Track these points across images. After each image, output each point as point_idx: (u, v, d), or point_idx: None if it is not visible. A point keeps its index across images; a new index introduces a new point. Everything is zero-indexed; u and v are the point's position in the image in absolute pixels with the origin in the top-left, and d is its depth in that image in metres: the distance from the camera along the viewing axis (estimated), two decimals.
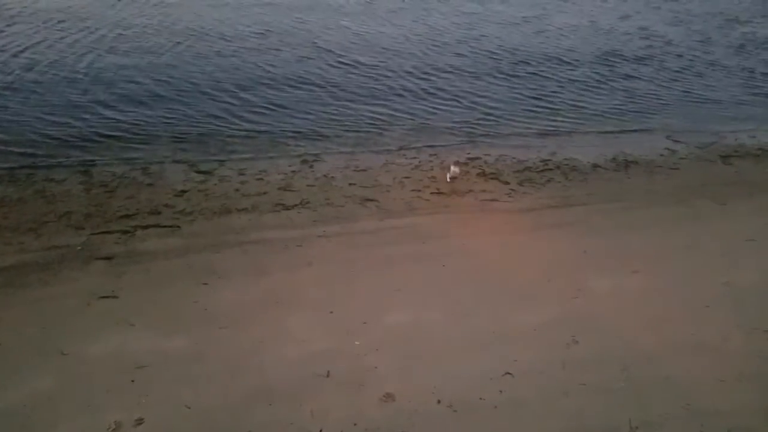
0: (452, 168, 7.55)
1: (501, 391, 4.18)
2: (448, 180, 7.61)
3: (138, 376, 4.32)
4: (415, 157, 8.65)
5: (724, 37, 15.37)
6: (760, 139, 9.74)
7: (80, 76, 10.68)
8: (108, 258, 5.89)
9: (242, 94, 10.52)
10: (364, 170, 8.16)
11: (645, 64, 13.26)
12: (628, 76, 12.52)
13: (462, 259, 5.93)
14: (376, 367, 4.44)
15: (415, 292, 5.38)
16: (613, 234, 6.47)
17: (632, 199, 7.52)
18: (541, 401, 4.05)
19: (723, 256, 5.91)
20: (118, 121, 9.14)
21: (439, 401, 4.09)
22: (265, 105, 10.18)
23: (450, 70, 12.35)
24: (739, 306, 5.08)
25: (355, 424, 3.92)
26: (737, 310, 5.03)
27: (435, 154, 8.77)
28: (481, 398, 4.11)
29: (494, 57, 13.22)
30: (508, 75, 12.25)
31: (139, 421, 3.95)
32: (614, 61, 13.32)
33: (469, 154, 8.85)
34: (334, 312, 5.08)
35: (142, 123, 9.15)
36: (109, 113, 9.38)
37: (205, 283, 5.45)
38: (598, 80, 12.23)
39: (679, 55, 13.96)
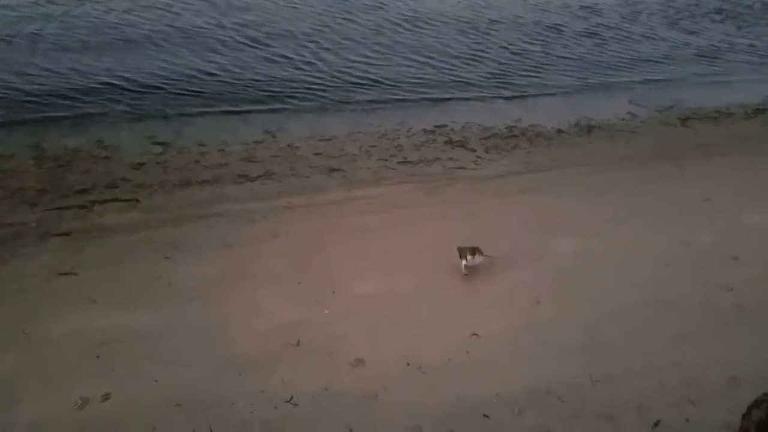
0: (469, 257, 5.22)
1: (467, 352, 4.35)
2: (464, 272, 5.27)
3: (103, 352, 4.33)
4: (381, 126, 8.68)
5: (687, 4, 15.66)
6: (718, 101, 10.01)
7: (23, 41, 10.30)
8: (65, 234, 5.80)
9: (199, 61, 10.27)
10: (329, 139, 8.16)
11: (608, 29, 13.40)
12: (592, 42, 12.65)
13: (429, 228, 6.04)
14: (345, 335, 4.55)
15: (383, 261, 5.47)
16: (576, 198, 6.66)
17: (594, 164, 7.73)
18: (507, 360, 4.22)
19: (681, 216, 6.16)
20: (69, 91, 8.84)
21: (408, 364, 4.24)
22: (223, 72, 9.99)
23: (414, 37, 12.26)
24: (696, 264, 5.34)
25: (326, 389, 4.03)
26: (695, 268, 5.29)
27: (402, 122, 8.82)
28: (449, 359, 4.28)
29: (460, 21, 13.17)
30: (473, 41, 12.23)
31: (106, 396, 3.98)
32: (577, 28, 13.39)
33: (435, 121, 8.90)
34: (302, 283, 5.15)
35: (94, 93, 8.88)
36: (57, 82, 9.05)
37: (168, 258, 5.44)
38: (563, 45, 12.38)
39: (640, 21, 14.11)
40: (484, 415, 3.78)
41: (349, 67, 10.55)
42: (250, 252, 5.56)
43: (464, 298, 4.92)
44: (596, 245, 5.67)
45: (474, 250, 5.26)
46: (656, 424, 3.63)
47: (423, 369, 4.19)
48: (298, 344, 4.45)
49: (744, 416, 3.45)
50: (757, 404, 3.36)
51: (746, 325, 4.50)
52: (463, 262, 5.23)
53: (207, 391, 4.02)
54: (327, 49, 11.12)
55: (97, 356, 4.29)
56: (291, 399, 3.96)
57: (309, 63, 10.57)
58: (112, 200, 6.42)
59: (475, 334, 4.52)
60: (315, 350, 4.40)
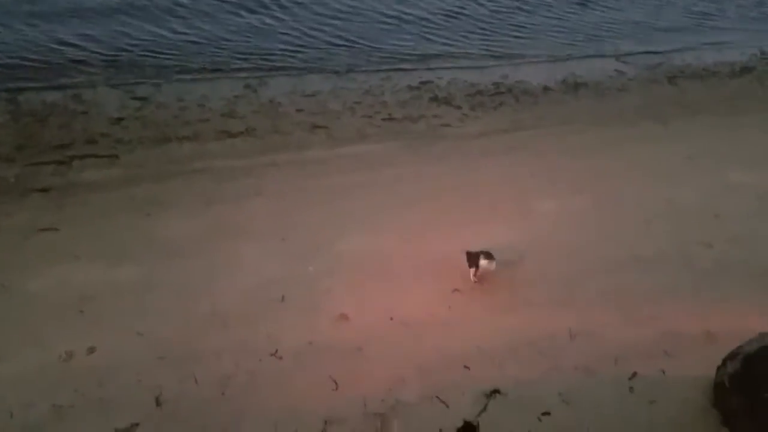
0: (482, 261, 4.62)
1: (450, 307, 4.44)
2: (474, 279, 4.68)
3: (87, 307, 4.35)
4: (365, 82, 8.55)
5: None
6: (705, 59, 10.00)
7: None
8: (44, 190, 5.73)
9: (178, 10, 9.95)
10: (312, 95, 8.04)
11: None
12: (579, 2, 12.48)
13: (413, 186, 6.05)
14: (329, 291, 4.60)
15: (367, 218, 5.48)
16: (561, 157, 6.68)
17: (580, 122, 7.74)
18: (488, 316, 4.32)
19: (664, 174, 6.22)
20: (44, 43, 8.53)
21: (391, 318, 4.31)
22: (202, 23, 9.69)
23: None
24: (678, 221, 5.43)
25: (310, 343, 4.10)
26: (676, 225, 5.38)
27: (386, 78, 8.68)
28: (431, 314, 4.36)
29: None
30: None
31: (91, 350, 4.02)
32: None
33: (420, 77, 8.78)
34: (286, 240, 5.16)
35: (70, 45, 8.58)
36: (33, 34, 8.74)
37: (149, 214, 5.41)
38: (549, 2, 12.17)
39: None
40: (465, 366, 3.88)
41: (329, 26, 10.24)
42: (233, 209, 5.54)
43: (448, 256, 4.95)
44: (579, 204, 5.72)
45: (487, 256, 4.58)
46: (633, 375, 3.75)
47: (406, 323, 4.27)
48: (282, 300, 4.49)
49: (719, 368, 3.59)
50: (731, 357, 3.48)
51: (724, 281, 4.61)
52: (473, 270, 4.60)
53: (191, 344, 4.07)
54: (299, 13, 10.75)
55: (81, 311, 4.31)
56: (276, 352, 4.03)
57: (287, 24, 10.25)
58: (91, 156, 6.32)
59: (457, 290, 4.59)
60: (299, 306, 4.45)
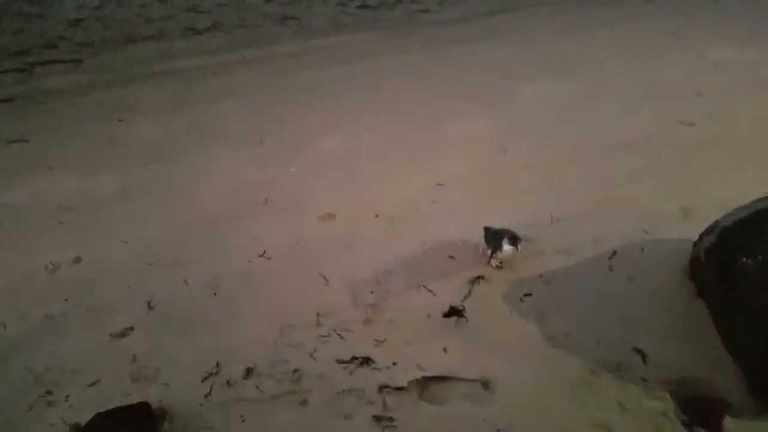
0: (505, 247, 3.77)
1: (434, 202, 4.49)
2: (494, 264, 3.95)
3: (67, 218, 4.35)
4: None
5: None
6: None
7: None
8: (8, 100, 5.53)
9: None
10: None
11: None
12: None
13: (393, 78, 5.90)
14: (313, 191, 4.62)
15: (346, 115, 5.40)
16: (544, 40, 6.52)
17: (565, 2, 7.47)
18: (472, 206, 4.39)
19: (648, 54, 6.13)
20: None
21: (377, 215, 4.37)
22: None
23: None
24: (661, 101, 5.41)
25: (297, 243, 4.17)
26: (659, 105, 5.36)
27: None
28: (415, 209, 4.42)
29: None
30: None
31: (77, 260, 4.07)
32: None
33: None
34: (264, 142, 5.09)
35: None
36: None
37: (121, 120, 5.27)
38: None
39: None
40: (450, 256, 3.99)
41: None
42: (206, 111, 5.41)
43: (431, 150, 4.95)
44: (562, 88, 5.65)
45: (512, 239, 3.76)
46: (612, 255, 3.88)
47: (391, 219, 4.34)
48: (266, 202, 4.51)
49: (695, 243, 3.72)
50: (708, 231, 3.59)
51: (703, 159, 4.68)
52: (496, 254, 3.88)
53: (178, 250, 4.13)
54: None
55: (61, 222, 4.31)
56: (264, 253, 4.11)
57: None
58: (53, 62, 6.05)
59: (441, 184, 4.63)
60: (284, 207, 4.48)
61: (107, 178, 4.71)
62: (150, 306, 3.76)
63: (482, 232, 3.98)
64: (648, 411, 3.13)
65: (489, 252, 3.92)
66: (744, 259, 3.14)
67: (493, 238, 3.89)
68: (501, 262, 3.96)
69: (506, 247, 3.77)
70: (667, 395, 3.18)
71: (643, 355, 3.32)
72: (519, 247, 3.77)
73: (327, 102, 5.54)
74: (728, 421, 3.12)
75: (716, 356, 3.31)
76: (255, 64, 6.10)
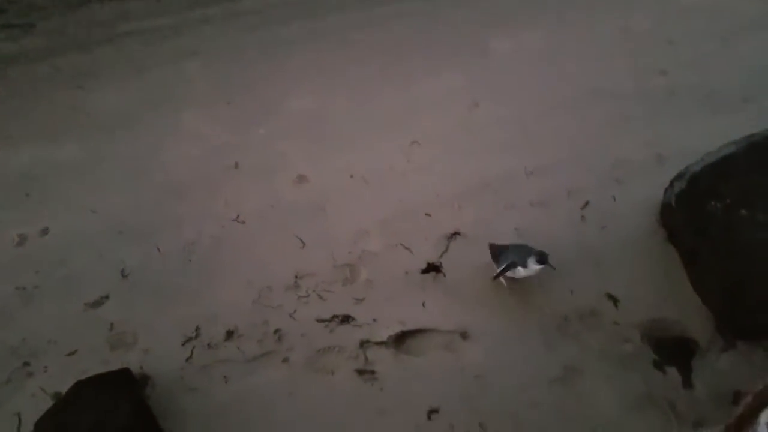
0: (532, 265, 3.32)
1: (408, 160, 4.54)
2: (505, 284, 3.61)
3: (31, 189, 4.32)
4: None
5: None
6: None
7: None
8: None
9: None
10: None
11: None
12: None
13: (366, 35, 5.86)
14: (285, 154, 4.61)
15: (316, 73, 5.37)
16: None
17: None
18: (447, 163, 4.45)
19: (621, 1, 6.18)
20: None
21: (351, 176, 4.42)
22: None
23: None
24: (633, 50, 5.48)
25: (271, 206, 4.22)
26: (631, 54, 5.43)
27: None
28: (390, 168, 4.47)
29: None
30: None
31: (45, 232, 4.06)
32: None
33: None
34: (231, 103, 5.06)
35: None
36: None
37: (81, 87, 5.18)
38: None
39: None
40: (426, 214, 4.08)
41: None
42: (169, 73, 5.33)
43: (404, 108, 4.98)
44: (536, 40, 5.68)
45: (541, 257, 3.31)
46: (585, 205, 4.03)
47: (366, 179, 4.39)
48: (236, 166, 4.52)
49: (666, 190, 3.88)
50: (678, 177, 3.75)
51: (675, 107, 4.81)
52: (515, 270, 3.41)
53: (149, 217, 4.15)
54: None
55: (27, 194, 4.28)
56: (237, 218, 4.15)
57: None
58: (3, 26, 5.87)
59: (416, 142, 4.69)
60: (255, 171, 4.49)
61: (71, 147, 4.65)
62: (123, 274, 3.81)
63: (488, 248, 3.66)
64: (620, 353, 3.33)
65: (499, 268, 3.47)
66: (713, 203, 3.31)
67: (511, 254, 3.46)
68: (510, 282, 3.59)
69: (533, 266, 3.34)
70: (639, 337, 3.38)
71: (615, 301, 3.50)
72: (551, 264, 3.35)
73: (294, 59, 5.50)
74: (697, 359, 3.34)
75: (686, 298, 3.51)
76: (217, 23, 6.00)
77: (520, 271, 3.37)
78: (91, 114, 4.93)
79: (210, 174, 4.47)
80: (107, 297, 3.68)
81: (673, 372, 3.28)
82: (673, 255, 3.70)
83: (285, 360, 3.39)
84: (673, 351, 3.33)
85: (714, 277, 3.34)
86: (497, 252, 3.56)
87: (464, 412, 3.18)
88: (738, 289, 3.18)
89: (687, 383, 3.23)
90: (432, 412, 3.19)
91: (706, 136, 3.79)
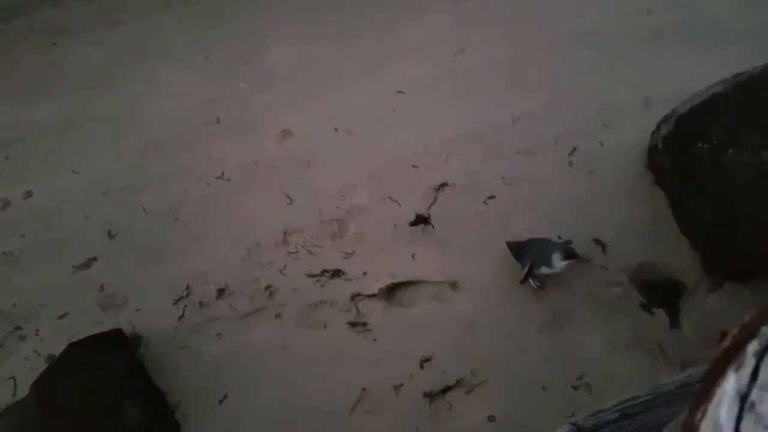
0: (558, 263, 3.22)
1: (394, 110, 4.48)
2: (534, 285, 3.40)
3: (11, 152, 4.24)
4: None
5: None
6: None
7: None
8: None
9: None
10: None
11: None
12: None
13: None
14: (267, 107, 4.54)
15: (294, 22, 5.23)
16: None
17: None
18: (432, 112, 4.40)
19: None
20: None
21: (336, 129, 4.37)
22: None
23: None
24: None
25: (256, 163, 4.18)
26: None
27: None
28: (375, 120, 4.42)
29: None
30: None
31: (28, 195, 4.02)
32: None
33: None
34: (209, 57, 4.94)
35: None
36: None
37: (55, 44, 5.03)
38: None
39: None
40: (414, 166, 4.06)
41: None
42: (144, 27, 5.17)
43: (388, 55, 4.88)
44: None
45: (568, 251, 3.21)
46: (572, 151, 4.02)
47: (351, 132, 4.35)
48: (218, 122, 4.45)
49: (653, 132, 3.88)
50: (665, 120, 3.74)
51: (661, 48, 4.73)
52: (537, 270, 3.30)
53: (132, 176, 4.10)
54: None
55: (6, 157, 4.21)
56: (222, 175, 4.12)
57: None
58: None
59: (401, 92, 4.62)
60: (238, 126, 4.42)
61: (49, 107, 4.54)
62: (110, 235, 3.79)
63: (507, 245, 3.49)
64: (608, 297, 3.39)
65: (524, 270, 3.33)
66: (699, 144, 3.31)
67: (532, 252, 3.35)
68: (540, 282, 3.43)
69: (558, 264, 3.22)
70: (627, 281, 3.43)
71: (603, 245, 3.54)
72: (582, 258, 3.29)
73: (271, 6, 5.35)
74: (684, 301, 3.41)
75: (673, 241, 3.56)
76: None
77: (545, 270, 3.26)
78: (67, 72, 4.80)
79: (191, 130, 4.39)
80: (95, 259, 3.68)
81: (660, 314, 3.35)
82: (660, 198, 3.73)
83: (278, 315, 3.43)
84: (660, 293, 3.39)
85: (701, 218, 3.37)
86: (516, 250, 3.40)
87: (456, 360, 3.25)
88: (724, 230, 3.22)
89: (674, 324, 3.30)
90: (425, 360, 3.26)
91: (694, 77, 3.74)
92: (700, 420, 0.70)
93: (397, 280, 3.53)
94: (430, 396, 3.16)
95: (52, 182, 4.07)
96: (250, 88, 4.70)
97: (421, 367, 3.24)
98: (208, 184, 4.06)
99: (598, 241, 3.56)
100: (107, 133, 4.37)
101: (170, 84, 4.70)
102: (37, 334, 3.38)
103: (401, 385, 3.20)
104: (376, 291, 3.49)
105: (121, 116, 4.48)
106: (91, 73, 4.79)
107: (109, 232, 3.81)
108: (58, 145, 4.28)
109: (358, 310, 3.43)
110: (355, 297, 3.48)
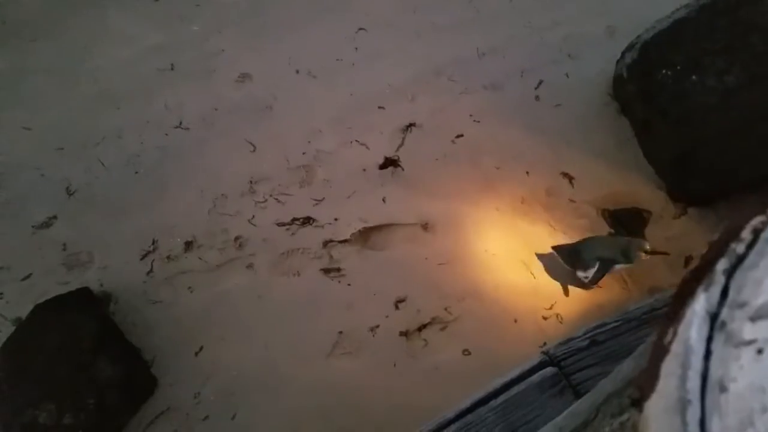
0: (617, 266, 3.14)
1: (356, 49, 4.38)
2: (592, 287, 3.27)
3: None
4: None
5: None
6: None
7: None
8: None
9: None
10: None
11: None
12: None
13: None
14: (223, 51, 4.39)
15: None
16: None
17: None
18: (395, 50, 4.31)
19: None
20: None
21: (297, 71, 4.26)
22: None
23: None
24: None
25: (215, 109, 4.06)
26: None
27: None
28: (337, 60, 4.31)
29: None
30: None
31: None
32: None
33: None
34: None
35: None
36: None
37: None
38: None
39: None
40: (380, 107, 4.01)
41: None
42: None
43: None
44: None
45: (635, 245, 3.07)
46: (539, 84, 4.01)
47: (313, 73, 4.24)
48: (172, 68, 4.29)
49: (618, 61, 3.88)
50: (630, 47, 3.75)
51: None
52: (589, 273, 3.15)
53: (87, 130, 3.96)
54: None
55: None
56: (180, 124, 4.00)
57: None
58: None
59: (362, 29, 4.50)
60: (193, 72, 4.27)
61: None
62: (69, 192, 3.69)
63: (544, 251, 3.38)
64: (576, 228, 3.46)
65: (581, 275, 3.19)
66: (663, 71, 3.33)
67: (593, 250, 3.18)
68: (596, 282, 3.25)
69: (618, 267, 3.14)
70: (594, 212, 3.51)
71: (570, 178, 3.59)
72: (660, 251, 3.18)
73: None
74: (651, 228, 3.50)
75: (639, 169, 3.63)
76: None
77: (617, 268, 3.17)
78: (9, 23, 4.53)
79: (144, 78, 4.22)
80: (55, 217, 3.59)
81: None
82: (626, 127, 3.78)
83: (249, 266, 3.42)
84: (627, 222, 3.48)
85: (665, 145, 3.43)
86: (567, 254, 3.23)
87: (430, 298, 3.32)
88: (688, 156, 3.29)
89: None
90: (399, 301, 3.32)
91: (658, 2, 3.73)
92: (670, 342, 0.73)
93: (368, 225, 3.54)
94: (406, 334, 3.24)
95: (3, 140, 3.91)
96: (203, 30, 4.51)
97: (396, 308, 3.30)
98: (166, 134, 3.95)
99: (565, 174, 3.61)
100: (56, 85, 4.17)
101: (118, 30, 4.48)
102: (1, 297, 3.32)
103: (377, 326, 3.27)
104: (348, 236, 3.50)
105: (69, 68, 4.27)
106: (33, 22, 4.53)
107: (67, 188, 3.70)
108: (5, 102, 4.08)
109: (331, 257, 3.45)
110: (327, 243, 3.48)
